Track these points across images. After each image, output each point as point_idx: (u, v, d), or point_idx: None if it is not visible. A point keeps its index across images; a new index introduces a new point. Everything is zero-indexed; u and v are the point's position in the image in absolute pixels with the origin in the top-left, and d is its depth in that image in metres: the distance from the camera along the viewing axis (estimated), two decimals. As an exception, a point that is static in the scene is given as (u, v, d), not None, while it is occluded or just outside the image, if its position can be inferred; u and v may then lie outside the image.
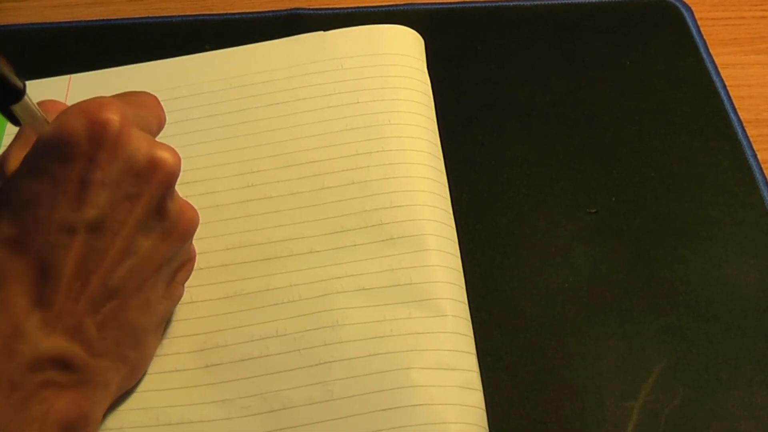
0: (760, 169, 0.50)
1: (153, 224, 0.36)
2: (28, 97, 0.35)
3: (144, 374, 0.40)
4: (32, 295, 0.33)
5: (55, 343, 0.33)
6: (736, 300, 0.44)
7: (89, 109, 0.34)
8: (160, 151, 0.36)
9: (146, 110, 0.38)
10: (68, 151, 0.34)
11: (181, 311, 0.42)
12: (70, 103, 0.49)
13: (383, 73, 0.49)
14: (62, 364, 0.34)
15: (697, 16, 0.58)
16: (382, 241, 0.42)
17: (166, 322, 0.41)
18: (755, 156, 0.50)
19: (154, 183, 0.36)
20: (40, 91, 0.51)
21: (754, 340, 0.43)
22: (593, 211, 0.48)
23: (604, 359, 0.42)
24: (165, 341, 0.41)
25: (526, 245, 0.47)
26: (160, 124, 0.40)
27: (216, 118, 0.48)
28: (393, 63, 0.49)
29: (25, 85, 0.34)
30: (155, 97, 0.40)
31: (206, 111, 0.48)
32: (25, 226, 0.34)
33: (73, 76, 0.51)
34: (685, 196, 0.49)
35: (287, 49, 0.51)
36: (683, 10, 0.59)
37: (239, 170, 0.46)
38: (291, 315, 0.41)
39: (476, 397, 0.39)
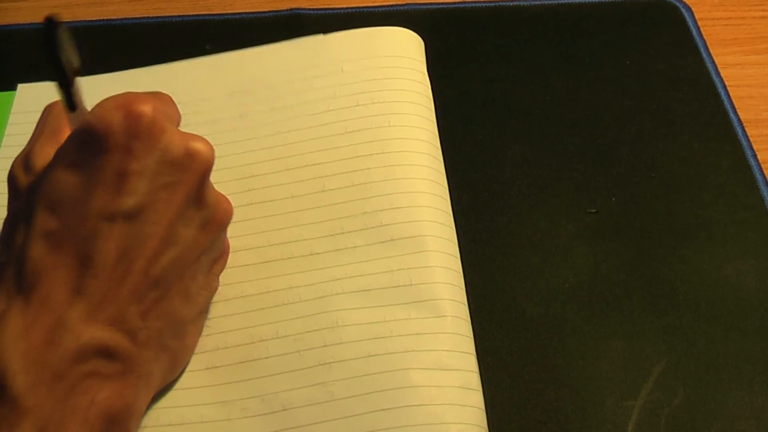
0: (760, 169, 0.50)
1: (192, 214, 0.37)
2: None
3: (185, 368, 0.40)
4: (74, 286, 0.34)
5: (98, 332, 0.33)
6: (736, 300, 0.44)
7: (124, 102, 0.35)
8: (194, 142, 0.37)
9: (168, 107, 0.39)
10: (105, 143, 0.34)
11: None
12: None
13: (383, 75, 0.49)
14: (106, 353, 0.34)
15: (697, 16, 0.58)
16: (382, 242, 0.42)
17: (204, 314, 0.41)
18: (755, 156, 0.50)
19: (191, 173, 0.36)
20: (38, 94, 0.51)
21: (754, 340, 0.43)
22: (593, 211, 0.48)
23: (604, 359, 0.42)
24: None
25: (526, 245, 0.47)
26: (178, 122, 0.40)
27: (216, 123, 0.48)
28: (393, 65, 0.49)
29: (81, 61, 0.35)
30: (169, 95, 0.40)
31: (207, 116, 0.48)
32: (64, 219, 0.34)
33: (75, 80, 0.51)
34: (685, 196, 0.49)
35: (287, 53, 0.51)
36: (683, 10, 0.59)
37: (240, 174, 0.46)
38: (291, 317, 0.41)
39: (476, 398, 0.39)
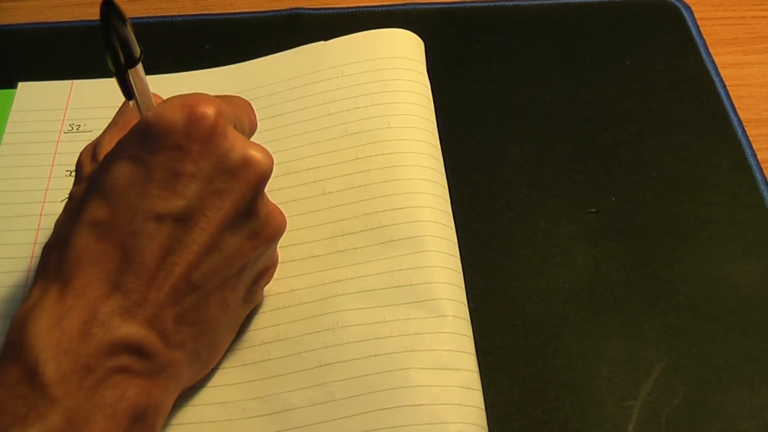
0: (760, 169, 0.50)
1: (241, 224, 0.36)
2: (143, 68, 0.35)
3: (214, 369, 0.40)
4: (113, 280, 0.33)
5: (132, 329, 0.33)
6: (736, 300, 0.44)
7: (188, 101, 0.35)
8: (254, 151, 0.36)
9: (241, 112, 0.38)
10: (163, 141, 0.34)
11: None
12: (71, 107, 0.50)
13: (382, 77, 0.49)
14: (137, 351, 0.33)
15: (697, 15, 0.58)
16: (382, 243, 0.42)
17: (241, 324, 0.41)
18: (755, 156, 0.50)
19: (245, 182, 0.35)
20: (41, 93, 0.51)
21: (754, 340, 0.43)
22: (593, 211, 0.48)
23: (604, 359, 0.42)
24: None
25: (526, 245, 0.47)
26: (252, 129, 0.40)
27: None
28: (392, 67, 0.49)
29: (142, 52, 0.34)
30: (248, 102, 0.40)
31: None
32: (113, 211, 0.34)
33: (76, 81, 0.51)
34: (685, 196, 0.49)
35: (289, 62, 0.51)
36: (683, 10, 0.59)
37: None
38: (292, 319, 0.41)
39: (476, 397, 0.39)
